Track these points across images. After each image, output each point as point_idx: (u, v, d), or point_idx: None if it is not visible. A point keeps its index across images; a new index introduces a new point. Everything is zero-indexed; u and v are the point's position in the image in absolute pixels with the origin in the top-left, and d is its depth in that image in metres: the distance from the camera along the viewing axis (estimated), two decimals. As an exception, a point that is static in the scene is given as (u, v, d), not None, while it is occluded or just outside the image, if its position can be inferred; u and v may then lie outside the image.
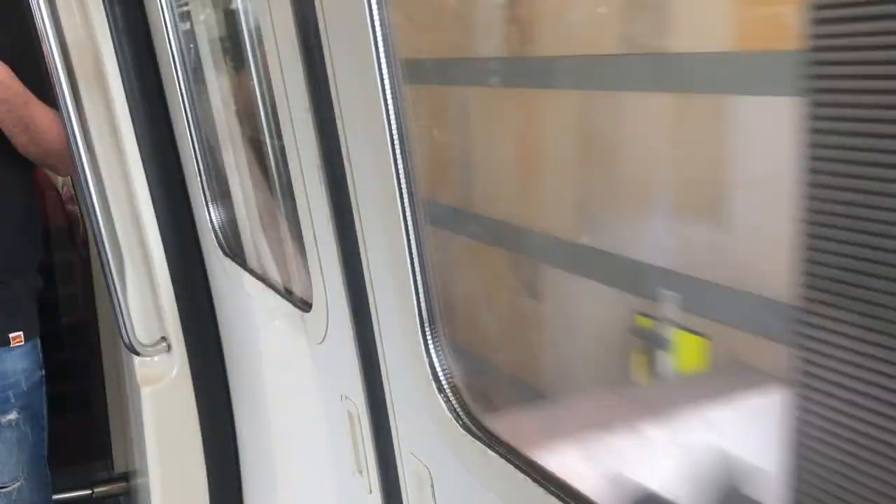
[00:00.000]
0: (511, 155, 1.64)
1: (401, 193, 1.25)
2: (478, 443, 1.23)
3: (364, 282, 1.43)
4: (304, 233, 1.61)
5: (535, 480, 1.13)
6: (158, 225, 2.44)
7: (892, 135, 0.58)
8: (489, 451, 1.21)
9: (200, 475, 2.69)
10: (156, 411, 2.61)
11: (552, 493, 1.09)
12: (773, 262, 1.01)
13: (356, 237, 1.41)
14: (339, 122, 1.32)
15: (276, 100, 1.53)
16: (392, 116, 1.22)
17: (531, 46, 1.51)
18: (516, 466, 1.16)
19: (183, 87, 2.21)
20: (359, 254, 1.42)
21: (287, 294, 2.00)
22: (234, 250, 2.31)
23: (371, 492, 1.67)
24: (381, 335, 1.43)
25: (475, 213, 1.78)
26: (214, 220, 2.31)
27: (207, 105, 2.29)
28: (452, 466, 1.31)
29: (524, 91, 1.57)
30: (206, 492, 2.70)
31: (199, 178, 2.29)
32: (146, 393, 2.59)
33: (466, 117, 1.75)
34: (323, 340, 1.70)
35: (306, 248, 1.63)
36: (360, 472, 1.69)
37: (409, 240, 1.27)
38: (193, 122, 2.24)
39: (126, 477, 3.68)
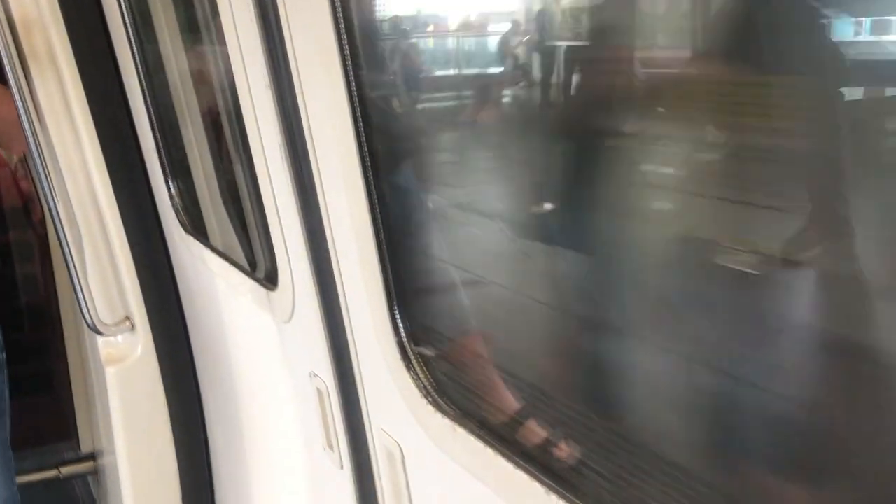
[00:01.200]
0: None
1: (365, 169, 1.24)
2: (447, 419, 1.23)
3: (330, 259, 1.42)
4: (266, 211, 1.59)
5: (504, 456, 1.14)
6: (117, 202, 2.39)
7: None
8: (458, 428, 1.21)
9: (169, 453, 2.67)
10: (122, 391, 2.59)
11: (522, 467, 1.10)
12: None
13: (320, 214, 1.39)
14: (300, 98, 1.30)
15: (235, 76, 1.50)
16: (355, 91, 1.21)
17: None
18: (485, 442, 1.17)
19: (138, 62, 2.16)
20: (323, 231, 1.41)
21: (252, 272, 1.98)
22: (197, 228, 2.27)
23: (342, 467, 1.68)
24: (348, 312, 1.43)
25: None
26: (175, 198, 2.27)
27: (164, 80, 2.24)
28: (422, 442, 1.31)
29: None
30: (175, 470, 2.69)
31: (157, 155, 2.25)
32: (111, 373, 2.56)
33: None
34: (290, 319, 1.69)
35: (270, 226, 1.61)
36: (331, 447, 1.69)
37: (374, 216, 1.26)
38: (150, 97, 2.19)
39: (93, 456, 3.66)
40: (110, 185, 2.37)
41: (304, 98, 1.29)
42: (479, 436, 1.18)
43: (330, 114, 1.24)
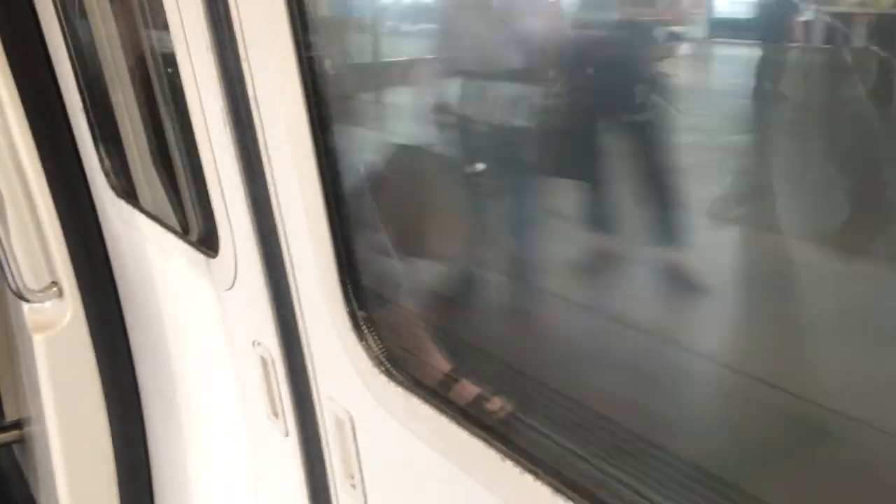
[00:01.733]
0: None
1: (314, 132, 1.21)
2: (399, 388, 1.23)
3: (275, 225, 1.39)
4: (207, 177, 1.54)
5: (457, 423, 1.14)
6: (42, 165, 2.29)
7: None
8: (411, 396, 1.21)
9: (101, 421, 2.62)
10: (50, 358, 2.51)
11: (476, 434, 1.11)
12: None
13: (265, 179, 1.35)
14: (244, 62, 1.25)
15: (173, 35, 1.44)
16: (303, 52, 1.17)
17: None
18: (438, 410, 1.17)
19: (62, 17, 2.06)
20: (268, 196, 1.37)
21: (187, 237, 1.93)
22: (128, 191, 2.20)
23: (287, 434, 1.66)
24: (295, 281, 1.40)
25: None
26: (105, 160, 2.19)
27: (91, 38, 2.14)
28: (373, 410, 1.31)
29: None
30: (108, 438, 2.63)
31: (85, 115, 2.16)
32: (39, 340, 2.48)
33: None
34: (231, 286, 1.65)
35: (210, 192, 1.56)
36: (276, 415, 1.68)
37: (323, 180, 1.23)
38: (76, 55, 2.09)
39: (19, 424, 3.55)
40: (34, 147, 2.27)
41: (248, 60, 1.25)
42: (432, 404, 1.18)
43: (276, 76, 1.20)
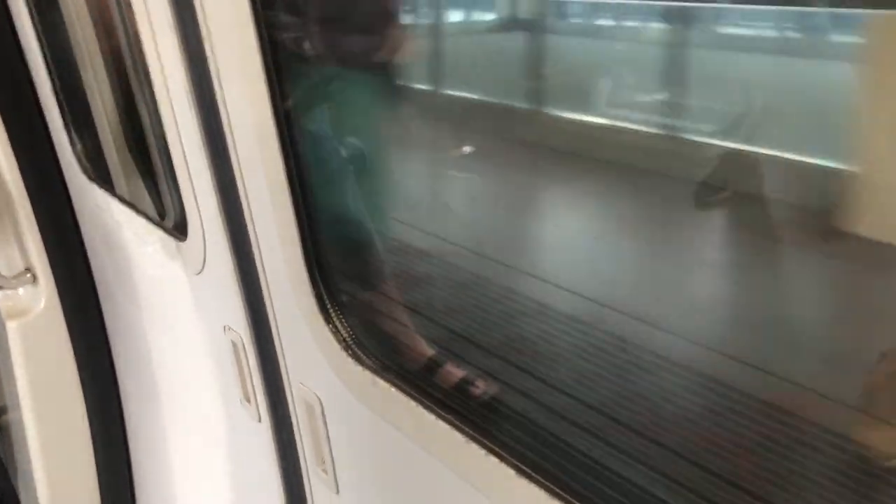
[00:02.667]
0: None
1: (277, 115, 1.19)
2: (367, 372, 1.22)
3: (242, 210, 1.37)
4: (174, 159, 1.52)
5: (425, 406, 1.13)
6: (13, 149, 2.26)
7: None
8: (379, 380, 1.20)
9: (78, 408, 2.60)
10: (25, 345, 2.48)
11: (442, 417, 1.10)
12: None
13: (231, 162, 1.34)
14: (206, 42, 1.23)
15: (136, 16, 1.41)
16: (265, 32, 1.15)
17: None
18: (406, 394, 1.17)
19: (32, 2, 2.02)
20: (234, 180, 1.36)
21: (160, 222, 1.91)
22: (101, 175, 2.17)
23: (260, 420, 1.65)
24: (262, 265, 1.39)
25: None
26: (76, 144, 2.16)
27: (60, 19, 2.11)
28: (342, 395, 1.30)
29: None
30: (85, 425, 2.62)
31: (55, 98, 2.13)
32: (13, 327, 2.45)
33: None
34: (201, 270, 1.63)
35: (177, 175, 1.54)
36: (248, 400, 1.67)
37: (288, 164, 1.22)
38: (45, 38, 2.06)
39: (-3, 412, 3.52)
40: (4, 131, 2.24)
41: (211, 42, 1.23)
42: (399, 387, 1.17)
43: (240, 57, 1.18)
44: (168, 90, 1.42)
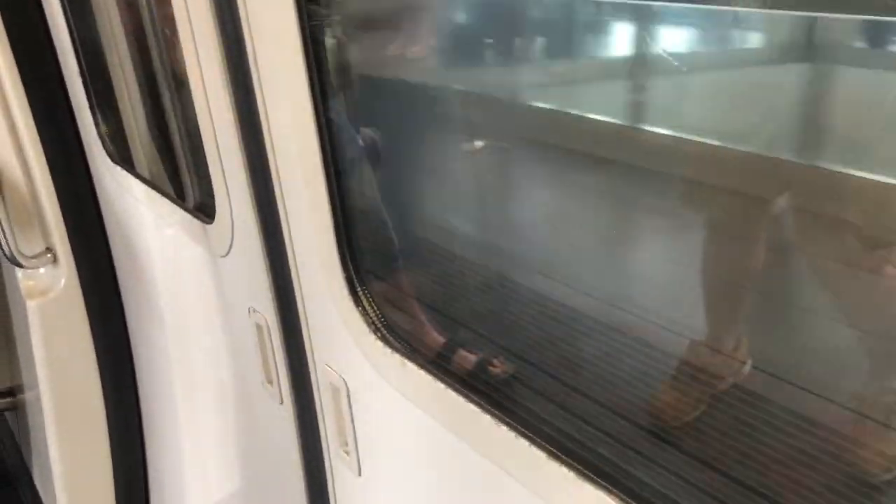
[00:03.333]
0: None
1: (314, 97, 1.20)
2: (396, 354, 1.23)
3: (273, 191, 1.38)
4: (205, 141, 1.53)
5: (454, 389, 1.14)
6: (38, 129, 2.27)
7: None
8: (408, 363, 1.21)
9: (95, 388, 2.62)
10: (44, 325, 2.50)
11: (472, 400, 1.11)
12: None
13: (264, 143, 1.35)
14: (244, 22, 1.24)
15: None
16: (304, 15, 1.16)
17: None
18: (435, 376, 1.18)
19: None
20: (266, 161, 1.36)
21: (185, 204, 1.92)
22: (124, 157, 2.19)
23: (282, 402, 1.67)
24: (292, 247, 1.40)
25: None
26: (101, 125, 2.17)
27: (89, 2, 2.12)
28: (369, 377, 1.31)
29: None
30: (101, 404, 2.64)
31: (82, 80, 2.14)
32: (32, 306, 2.47)
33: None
34: (228, 252, 1.64)
35: (207, 156, 1.55)
36: (271, 382, 1.68)
37: (323, 146, 1.22)
38: (73, 18, 2.07)
39: (11, 392, 3.55)
40: (30, 112, 2.25)
41: (248, 20, 1.23)
42: (428, 370, 1.18)
43: (278, 39, 1.19)
44: (202, 71, 1.43)
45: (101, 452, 2.69)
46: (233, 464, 2.14)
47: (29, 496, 3.33)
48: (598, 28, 1.40)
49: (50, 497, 2.84)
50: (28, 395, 3.13)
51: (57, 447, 2.62)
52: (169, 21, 1.56)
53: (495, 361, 1.35)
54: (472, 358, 1.39)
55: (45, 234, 2.42)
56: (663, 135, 1.25)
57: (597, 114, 1.45)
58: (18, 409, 3.50)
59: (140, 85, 2.18)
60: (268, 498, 1.96)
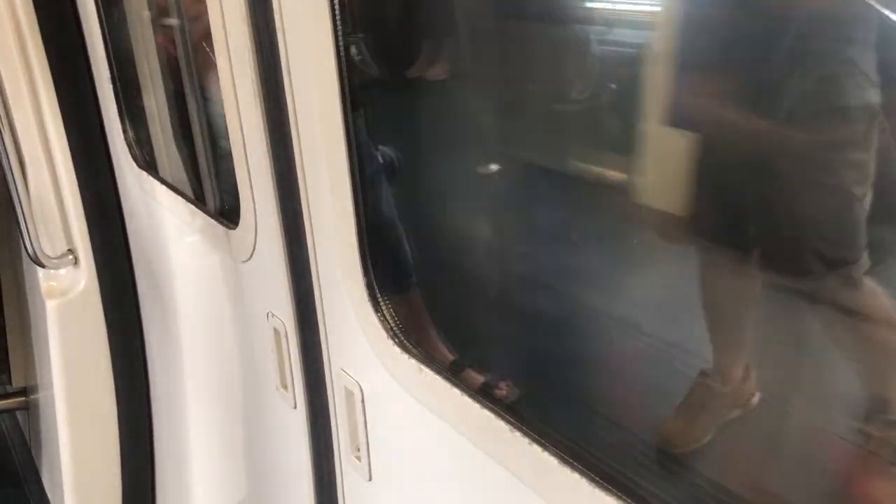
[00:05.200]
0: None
1: (344, 107, 1.24)
2: (413, 360, 1.26)
3: (300, 199, 1.42)
4: (233, 148, 1.57)
5: (469, 396, 1.17)
6: (66, 133, 2.33)
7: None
8: (424, 368, 1.24)
9: (108, 389, 2.65)
10: (62, 325, 2.54)
11: (487, 407, 1.13)
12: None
13: (293, 152, 1.38)
14: (279, 31, 1.28)
15: (209, 6, 1.47)
16: (339, 27, 1.19)
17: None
18: (451, 382, 1.20)
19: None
20: (294, 170, 1.40)
21: (209, 210, 1.96)
22: (150, 163, 2.23)
23: (295, 407, 1.69)
24: (315, 253, 1.43)
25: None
26: (129, 131, 2.22)
27: (122, 9, 2.17)
28: (384, 382, 1.33)
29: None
30: (113, 406, 2.67)
31: (112, 86, 2.19)
32: (51, 306, 2.52)
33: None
34: (249, 258, 1.68)
35: (236, 163, 1.59)
36: (285, 387, 1.71)
37: (351, 156, 1.26)
38: (107, 27, 2.13)
39: (25, 392, 3.59)
40: (60, 116, 2.31)
41: (284, 30, 1.27)
42: (444, 376, 1.21)
43: (312, 50, 1.23)
44: (234, 78, 1.47)
45: (110, 454, 2.71)
46: (241, 468, 2.17)
47: (37, 496, 3.35)
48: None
49: (58, 497, 2.86)
50: (41, 396, 3.17)
51: (68, 446, 2.65)
52: (203, 29, 1.61)
53: (501, 384, 1.38)
54: (479, 380, 1.42)
55: (68, 235, 2.47)
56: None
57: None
58: (30, 409, 3.54)
59: (168, 92, 2.23)
60: (276, 502, 1.98)
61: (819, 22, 0.99)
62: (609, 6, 1.39)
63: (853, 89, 1.01)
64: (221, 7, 1.42)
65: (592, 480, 0.97)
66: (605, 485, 0.96)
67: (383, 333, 1.30)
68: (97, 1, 2.10)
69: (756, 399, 1.24)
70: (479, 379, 1.41)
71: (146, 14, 2.20)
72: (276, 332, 1.67)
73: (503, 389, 1.37)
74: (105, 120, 2.34)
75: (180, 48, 2.10)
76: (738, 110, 1.09)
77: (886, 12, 0.95)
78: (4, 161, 2.30)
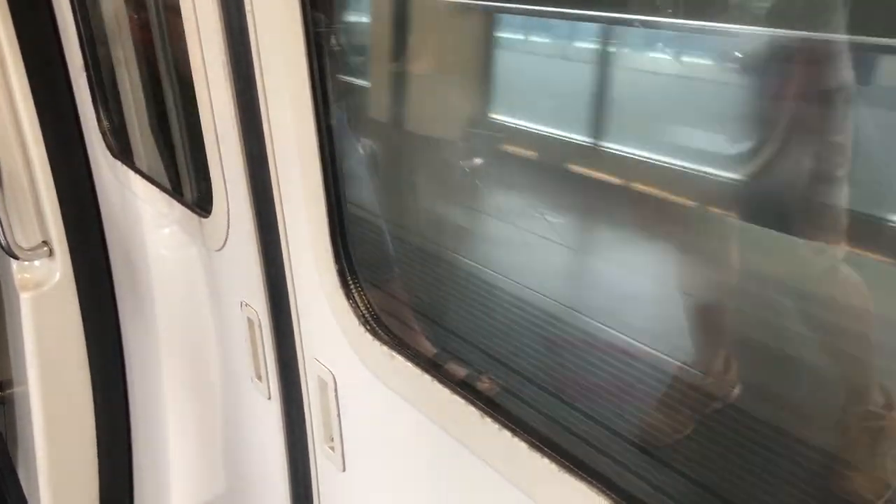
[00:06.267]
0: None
1: (315, 94, 1.22)
2: (385, 347, 1.24)
3: (270, 186, 1.40)
4: (205, 134, 1.55)
5: (440, 382, 1.16)
6: (40, 123, 2.29)
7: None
8: (396, 355, 1.22)
9: (84, 382, 2.62)
10: (36, 318, 2.51)
11: (458, 393, 1.12)
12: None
13: (264, 139, 1.36)
14: (249, 15, 1.26)
15: (178, -10, 1.44)
16: (308, 9, 1.18)
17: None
18: (423, 369, 1.19)
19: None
20: (265, 156, 1.38)
21: (183, 199, 1.94)
22: (124, 152, 2.20)
23: (270, 397, 1.68)
24: (287, 241, 1.41)
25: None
26: (103, 120, 2.19)
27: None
28: (357, 370, 1.32)
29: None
30: (90, 400, 2.64)
31: (86, 75, 2.16)
32: (26, 298, 2.48)
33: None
34: (222, 247, 1.66)
35: (207, 150, 1.57)
36: (260, 378, 1.69)
37: (321, 142, 1.24)
38: (80, 14, 2.10)
39: (1, 386, 3.54)
40: (33, 105, 2.27)
41: (254, 14, 1.26)
42: (416, 363, 1.19)
43: (281, 32, 1.21)
44: (205, 64, 1.45)
45: (87, 447, 2.69)
46: (218, 459, 2.15)
47: (14, 493, 3.31)
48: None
49: (34, 493, 2.83)
50: (17, 391, 3.13)
51: (43, 441, 2.62)
52: (174, 17, 1.59)
53: (483, 378, 1.36)
54: (462, 372, 1.40)
55: (43, 227, 2.44)
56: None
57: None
58: (6, 404, 3.49)
59: (143, 81, 2.20)
60: (251, 494, 1.96)
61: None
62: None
63: None
64: (192, -9, 1.40)
65: (562, 466, 0.96)
66: (575, 469, 0.95)
67: (355, 320, 1.29)
68: (69, -13, 2.07)
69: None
70: (462, 373, 1.40)
71: (120, 1, 2.18)
72: (249, 321, 1.65)
73: (485, 383, 1.36)
74: (79, 109, 2.31)
75: (156, 34, 2.08)
76: None
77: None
78: (-25, 150, 2.27)
